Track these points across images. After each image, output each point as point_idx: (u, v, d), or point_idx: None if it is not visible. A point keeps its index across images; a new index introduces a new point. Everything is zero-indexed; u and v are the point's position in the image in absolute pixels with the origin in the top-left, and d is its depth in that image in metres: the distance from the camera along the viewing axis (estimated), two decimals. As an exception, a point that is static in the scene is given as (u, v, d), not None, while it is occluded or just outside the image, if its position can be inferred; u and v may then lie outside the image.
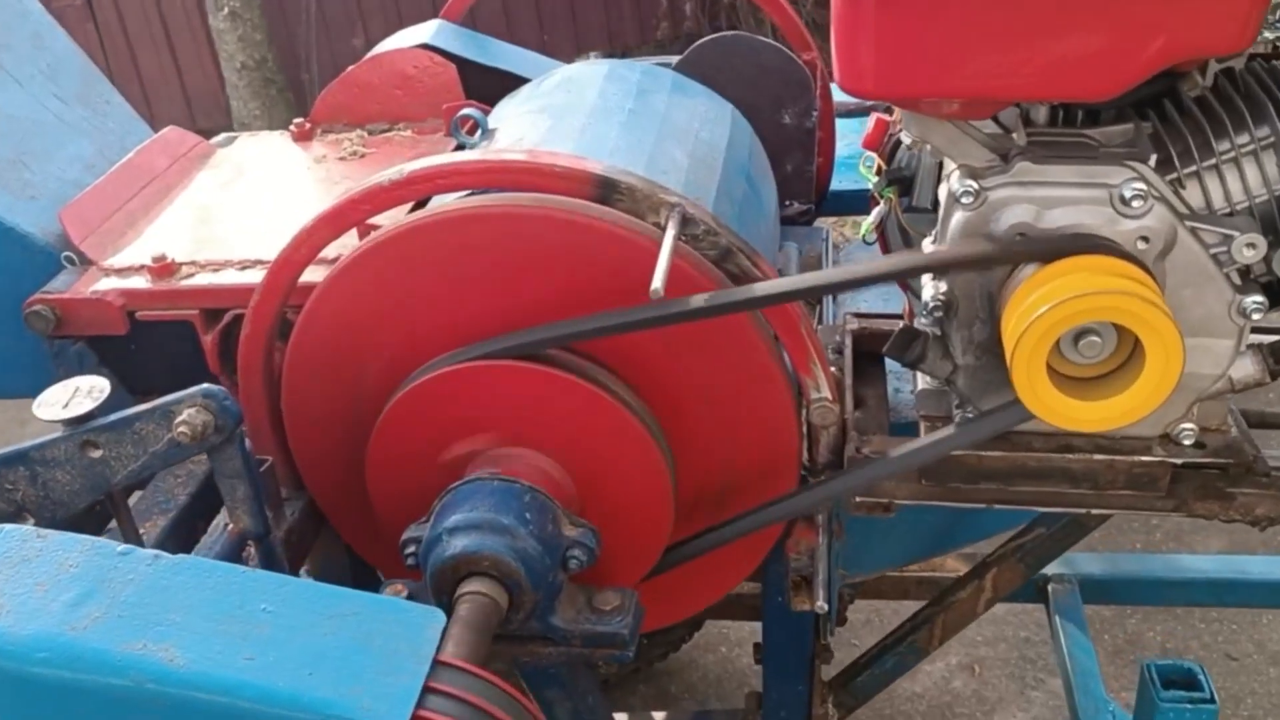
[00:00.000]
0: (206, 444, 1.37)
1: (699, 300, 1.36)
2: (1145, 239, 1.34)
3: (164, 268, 1.73)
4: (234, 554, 1.42)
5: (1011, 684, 3.19)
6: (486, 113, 2.05)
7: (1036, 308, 1.25)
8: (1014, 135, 1.44)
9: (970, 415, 1.47)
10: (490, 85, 2.24)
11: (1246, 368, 1.42)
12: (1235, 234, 1.33)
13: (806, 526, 1.62)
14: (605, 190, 1.41)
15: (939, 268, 1.36)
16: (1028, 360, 1.27)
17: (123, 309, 1.72)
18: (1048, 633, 3.25)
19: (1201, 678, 1.90)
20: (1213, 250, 1.35)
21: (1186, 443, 1.47)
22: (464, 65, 2.24)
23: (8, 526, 1.12)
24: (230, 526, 1.43)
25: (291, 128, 2.23)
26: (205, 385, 1.35)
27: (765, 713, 2.01)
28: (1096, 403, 1.30)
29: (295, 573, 1.68)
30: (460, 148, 1.91)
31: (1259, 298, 1.36)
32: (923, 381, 1.59)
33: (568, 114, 1.84)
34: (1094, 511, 1.49)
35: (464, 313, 1.47)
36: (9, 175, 1.88)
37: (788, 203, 2.43)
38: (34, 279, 1.78)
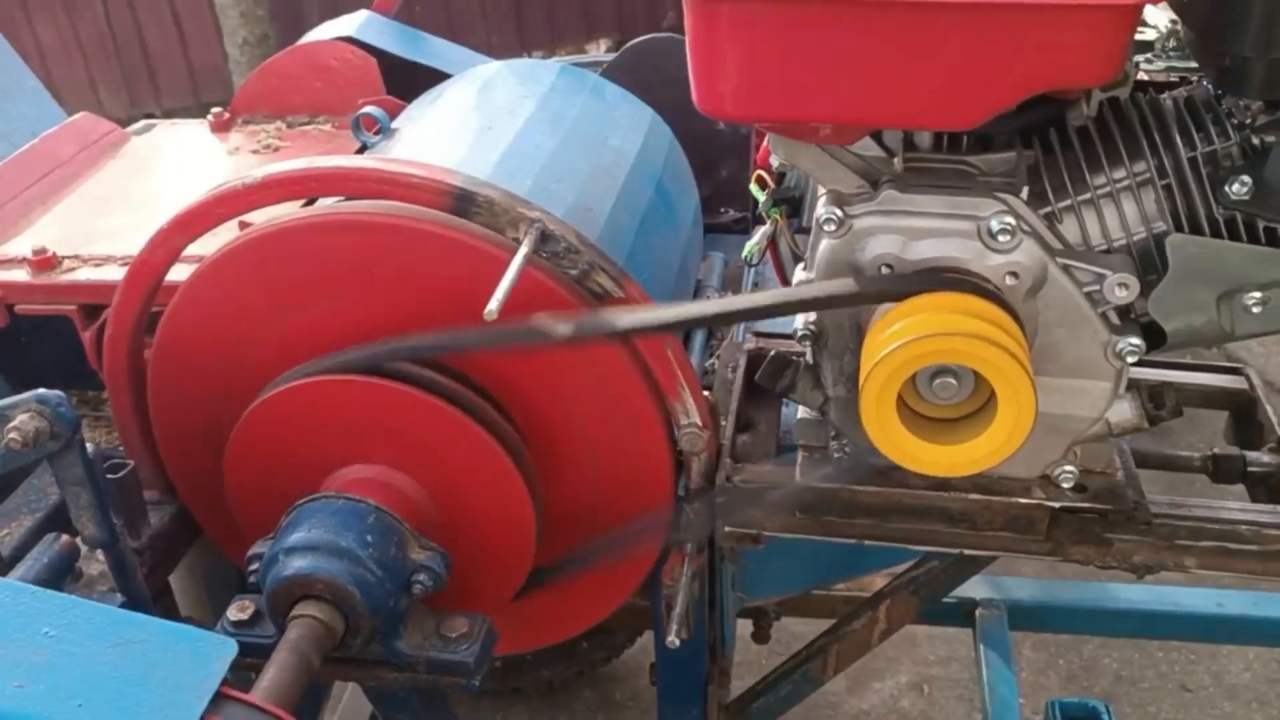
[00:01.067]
0: (43, 450, 1.33)
1: (549, 325, 1.31)
2: (1014, 274, 1.29)
3: (44, 261, 1.70)
4: (64, 564, 1.38)
5: (960, 705, 3.13)
6: (399, 110, 2.02)
7: (882, 348, 1.20)
8: (894, 159, 1.38)
9: (846, 448, 1.43)
10: (416, 80, 2.19)
11: (1124, 412, 1.36)
12: (1108, 273, 1.27)
13: (678, 554, 1.58)
14: (462, 203, 1.36)
15: (793, 309, 1.31)
16: (875, 401, 1.22)
17: (1, 301, 1.69)
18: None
19: (1106, 718, 1.85)
20: (1087, 289, 1.30)
21: (1066, 485, 1.42)
22: (388, 59, 2.19)
23: None
24: (62, 537, 1.39)
25: (210, 117, 2.19)
26: (40, 391, 1.32)
27: (660, 735, 1.97)
28: (949, 447, 1.25)
29: (162, 580, 1.65)
30: (363, 147, 1.87)
31: (1135, 340, 1.30)
32: (803, 409, 1.54)
33: (469, 117, 1.80)
34: (966, 552, 1.44)
35: (320, 323, 1.43)
36: (-96, 161, 1.85)
37: (722, 210, 2.39)
38: (-78, 268, 1.76)
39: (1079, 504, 1.41)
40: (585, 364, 1.43)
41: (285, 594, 1.31)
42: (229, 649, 1.07)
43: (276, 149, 2.10)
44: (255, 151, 2.09)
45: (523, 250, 1.31)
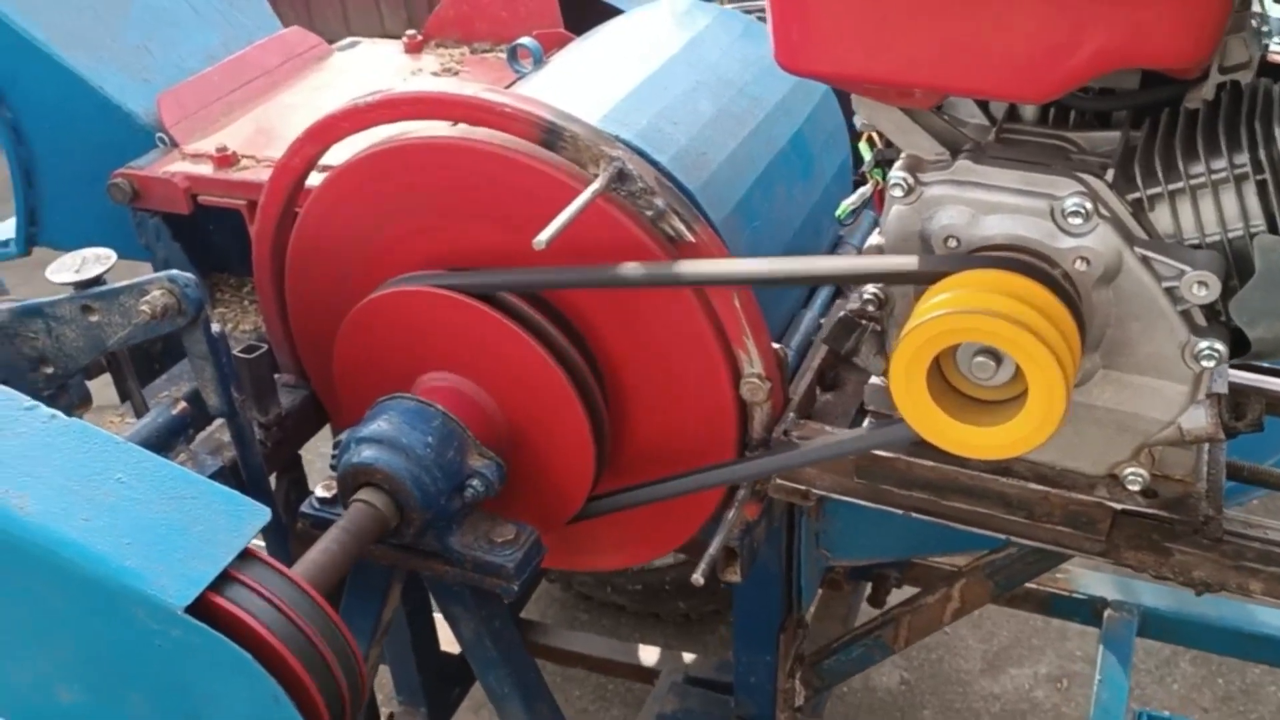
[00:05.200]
0: (173, 324, 1.51)
1: (624, 270, 1.37)
2: (1085, 260, 1.22)
3: (225, 158, 1.90)
4: (177, 426, 1.57)
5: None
6: (566, 43, 2.09)
7: (916, 318, 1.18)
8: (991, 129, 1.33)
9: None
10: (594, 15, 2.25)
11: (1199, 419, 1.27)
12: (1187, 269, 1.19)
13: (751, 501, 1.60)
14: (550, 136, 1.42)
15: (848, 279, 1.30)
16: (905, 373, 1.21)
17: (186, 191, 1.90)
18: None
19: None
20: (1166, 284, 1.22)
21: (1133, 488, 1.35)
22: (571, -8, 2.26)
23: (-52, 367, 1.30)
24: (180, 403, 1.57)
25: (405, 39, 2.34)
26: (173, 271, 1.49)
27: (736, 676, 2.02)
28: (977, 427, 1.21)
29: (287, 455, 1.84)
30: (519, 76, 1.95)
31: (1217, 344, 1.21)
32: (874, 375, 1.52)
33: (612, 55, 1.85)
34: (1015, 540, 1.40)
35: (415, 236, 1.54)
36: (131, 59, 2.09)
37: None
38: (132, 154, 2.00)
39: (1143, 509, 1.34)
40: (655, 307, 1.47)
41: (351, 479, 1.45)
42: (262, 515, 1.20)
43: (455, 72, 2.22)
44: (435, 73, 2.22)
45: (592, 186, 1.36)
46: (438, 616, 2.35)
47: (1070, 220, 1.21)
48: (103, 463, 1.23)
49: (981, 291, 1.17)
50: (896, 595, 2.49)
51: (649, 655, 2.66)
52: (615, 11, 2.27)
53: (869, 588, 2.45)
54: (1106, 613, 2.24)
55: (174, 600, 1.12)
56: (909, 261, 1.25)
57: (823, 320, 1.83)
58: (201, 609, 1.13)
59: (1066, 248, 1.22)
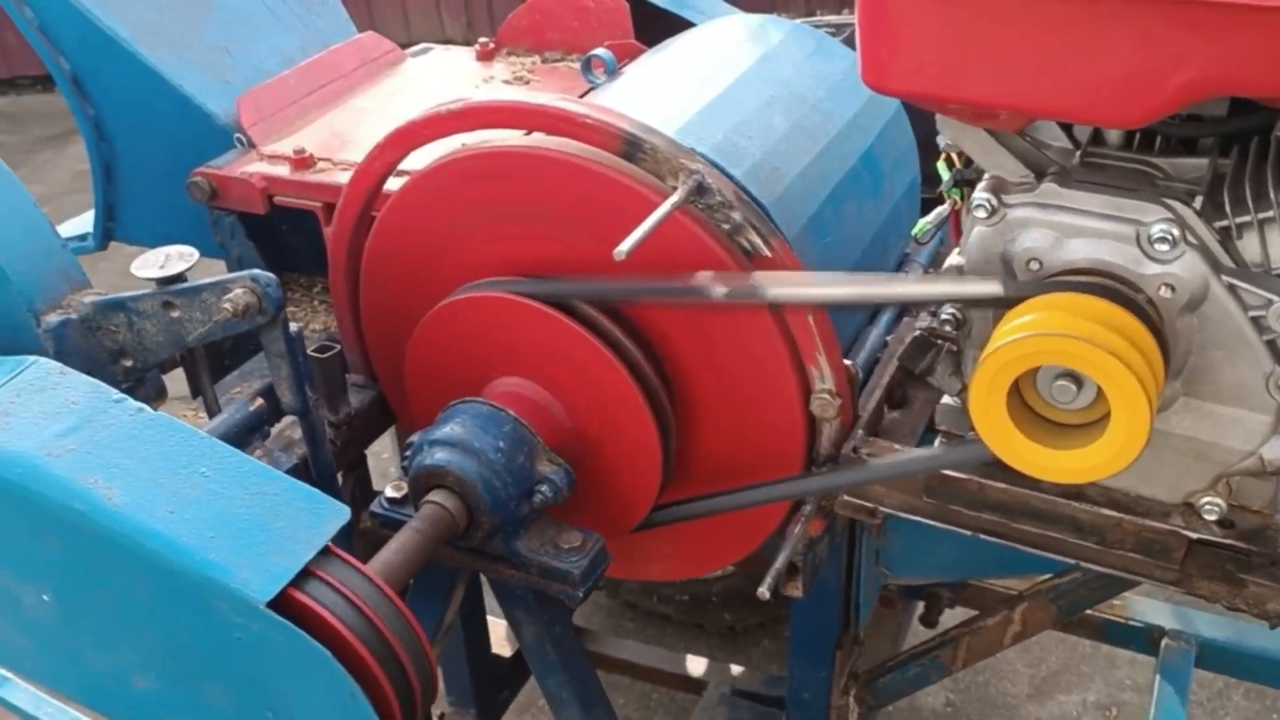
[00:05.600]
0: (252, 322, 1.54)
1: (703, 285, 1.37)
2: (1170, 287, 1.22)
3: (302, 160, 1.93)
4: (254, 422, 1.59)
5: (1141, 739, 2.96)
6: (638, 54, 2.11)
7: (998, 339, 1.18)
8: (1075, 153, 1.33)
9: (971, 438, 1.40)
10: (665, 27, 2.27)
11: (1280, 450, 1.26)
12: (1276, 299, 1.18)
13: (817, 517, 1.61)
14: (630, 147, 1.44)
15: (928, 302, 1.30)
16: (985, 394, 1.20)
17: (263, 192, 1.94)
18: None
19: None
20: (1253, 313, 1.21)
21: (1209, 517, 1.33)
22: (641, 5, 2.28)
23: (43, 360, 1.34)
24: (257, 399, 1.60)
25: (477, 46, 2.36)
26: (255, 270, 1.52)
27: (789, 691, 2.01)
28: (1057, 451, 1.21)
29: (355, 454, 1.86)
30: (592, 87, 1.97)
31: (1303, 375, 1.20)
32: (947, 395, 1.51)
33: (687, 68, 1.86)
34: (1085, 565, 1.39)
35: (492, 243, 1.55)
36: (210, 59, 2.13)
37: (953, 186, 2.32)
38: (210, 154, 2.03)
39: (1219, 539, 1.32)
40: (729, 320, 1.48)
41: (423, 481, 1.47)
42: (342, 514, 1.22)
43: (527, 81, 2.24)
44: (507, 82, 2.24)
45: (672, 199, 1.37)
46: (490, 619, 2.38)
47: (1157, 246, 1.20)
48: (188, 456, 1.25)
49: (1066, 314, 1.16)
50: (949, 616, 2.50)
51: (696, 666, 2.67)
52: (686, 24, 2.29)
53: (920, 607, 2.44)
54: (1164, 642, 2.22)
55: (256, 595, 1.14)
56: (992, 285, 1.25)
57: (889, 338, 1.82)
58: (282, 604, 1.15)
59: (1152, 274, 1.22)
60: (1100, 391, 1.19)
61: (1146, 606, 2.29)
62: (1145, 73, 1.11)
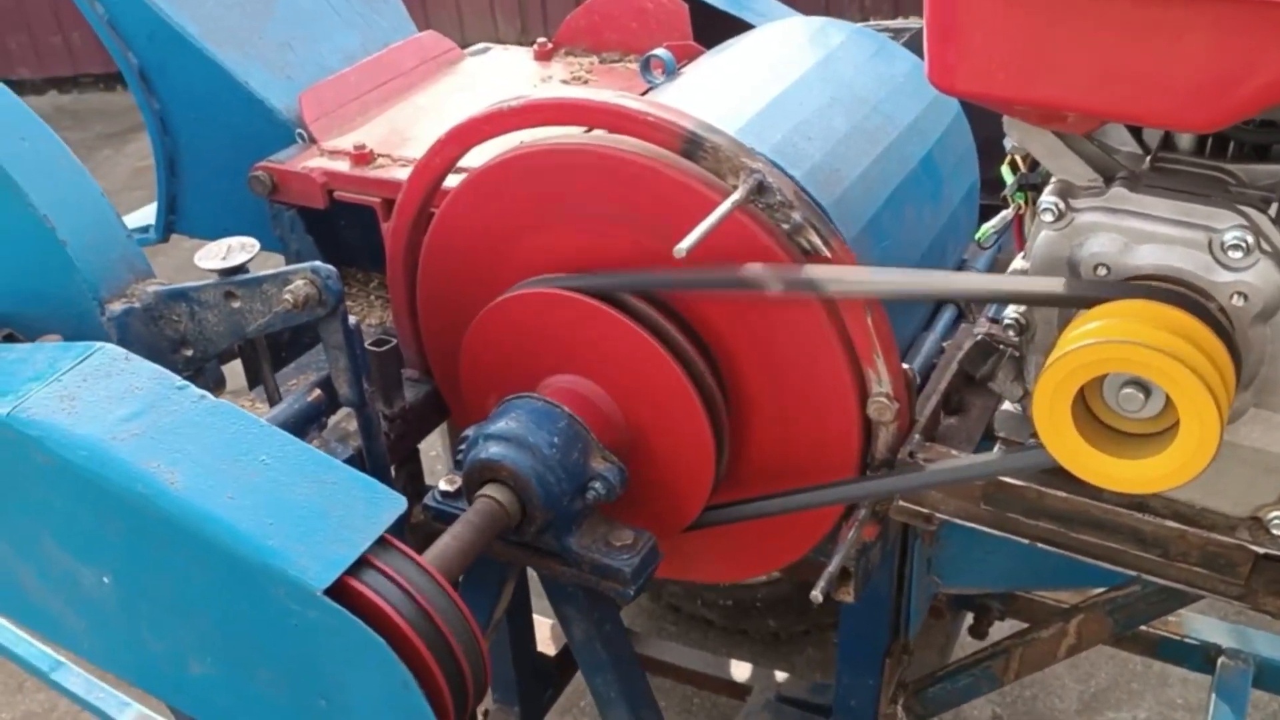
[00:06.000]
0: (312, 314, 1.55)
1: (758, 275, 1.36)
2: (1243, 295, 1.19)
3: (362, 156, 1.94)
4: (312, 413, 1.60)
5: (1191, 761, 2.91)
6: (697, 55, 2.10)
7: (1065, 346, 1.16)
8: (1145, 157, 1.31)
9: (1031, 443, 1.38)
10: (723, 29, 2.26)
11: (1353, 464, 1.23)
12: (1351, 309, 1.15)
13: (871, 522, 1.59)
14: (691, 146, 1.43)
15: (994, 299, 1.28)
16: (1050, 399, 1.18)
17: (323, 187, 1.96)
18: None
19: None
20: (1327, 323, 1.18)
21: (1276, 532, 1.30)
22: (700, 7, 2.28)
23: (108, 346, 1.36)
24: (315, 390, 1.61)
25: (535, 46, 2.37)
26: (316, 263, 1.53)
27: (836, 698, 2.00)
28: (1123, 460, 1.19)
29: (408, 448, 1.87)
30: (651, 87, 1.97)
31: (1377, 389, 1.17)
32: (1008, 401, 1.50)
33: (747, 69, 1.85)
34: (1146, 577, 1.36)
35: (550, 240, 1.56)
36: (274, 55, 2.16)
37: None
38: (272, 149, 2.06)
39: (1288, 554, 1.30)
40: (786, 319, 1.47)
41: (477, 474, 1.47)
42: (399, 504, 1.23)
43: (585, 81, 2.25)
44: (565, 81, 2.24)
45: (732, 197, 1.36)
46: (536, 617, 2.38)
47: (1230, 254, 1.18)
48: (248, 444, 1.27)
49: (1135, 321, 1.14)
50: (998, 628, 2.46)
51: (740, 671, 2.66)
52: (744, 26, 2.28)
53: (968, 618, 2.41)
54: (1220, 660, 2.18)
55: (314, 582, 1.15)
56: (1058, 284, 1.23)
57: (945, 344, 1.81)
58: (338, 592, 1.16)
59: (1224, 281, 1.19)
60: (1169, 400, 1.17)
61: (1202, 624, 2.25)
62: (1221, 76, 1.08)
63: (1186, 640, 2.22)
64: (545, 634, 2.47)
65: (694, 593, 3.10)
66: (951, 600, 2.35)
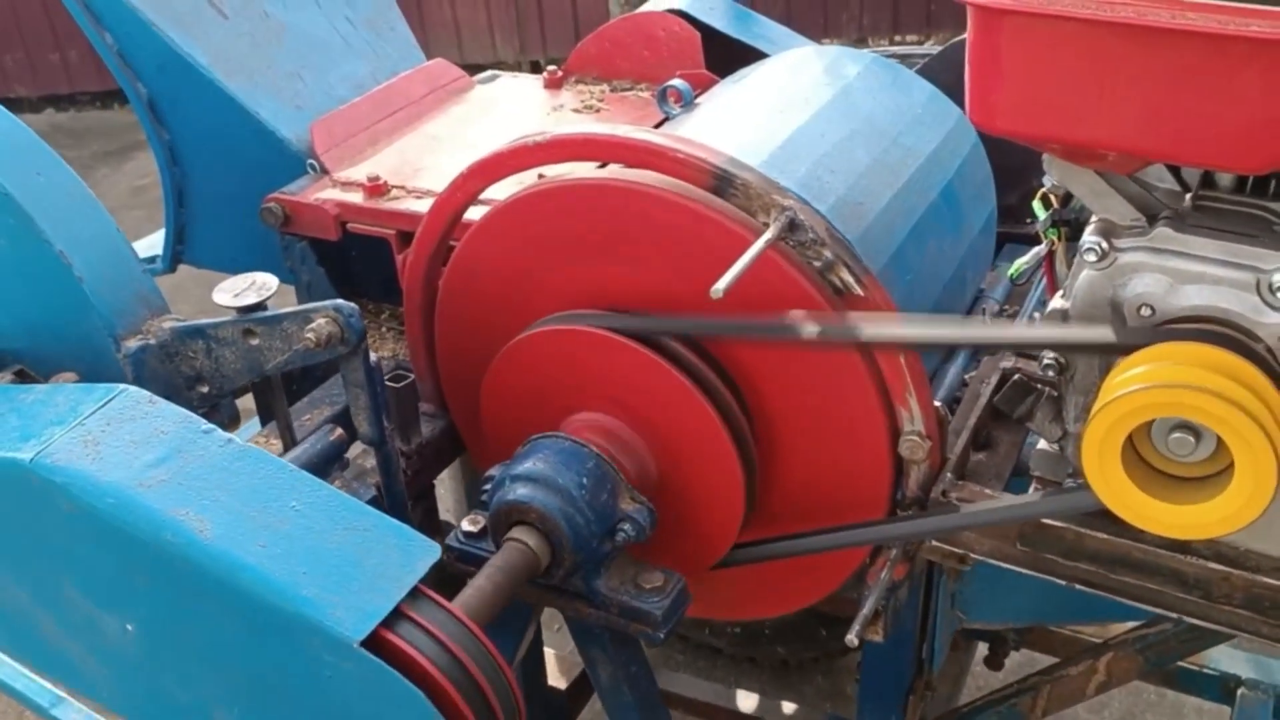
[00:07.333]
0: (334, 352, 1.53)
1: (797, 325, 1.35)
2: (1290, 337, 1.18)
3: (376, 188, 1.92)
4: (334, 453, 1.58)
5: (1212, 796, 2.89)
6: (710, 85, 2.09)
7: (1114, 390, 1.14)
8: (1185, 196, 1.30)
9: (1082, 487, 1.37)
10: (738, 58, 2.25)
11: (1401, 508, 1.22)
12: (1400, 352, 1.14)
13: (902, 561, 1.57)
14: (721, 183, 1.41)
15: (1033, 347, 1.27)
16: (1099, 444, 1.17)
17: (336, 218, 1.93)
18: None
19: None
20: (1376, 365, 1.17)
21: (1321, 574, 1.29)
22: (711, 35, 2.27)
23: (132, 388, 1.33)
24: (336, 430, 1.58)
25: (545, 74, 2.36)
26: (338, 300, 1.51)
27: (858, 734, 1.97)
28: (1175, 506, 1.17)
29: (424, 484, 1.84)
30: (667, 118, 1.96)
31: None
32: (1044, 440, 1.48)
33: (765, 100, 1.84)
34: (1189, 619, 1.34)
35: (577, 275, 1.53)
36: (284, 85, 2.14)
37: (1029, 220, 2.29)
38: (282, 180, 2.03)
39: (1333, 598, 1.28)
40: (819, 360, 1.45)
41: (504, 516, 1.44)
42: (433, 552, 1.20)
43: (597, 110, 2.23)
44: (577, 110, 2.23)
45: (765, 236, 1.35)
46: (546, 650, 2.35)
47: (1278, 295, 1.17)
48: (277, 490, 1.24)
49: (1184, 365, 1.13)
50: (1013, 659, 2.45)
51: (748, 702, 2.63)
52: (756, 54, 2.27)
53: (984, 649, 2.39)
54: (1240, 691, 2.16)
55: (350, 633, 1.12)
56: (1103, 331, 1.22)
57: (968, 376, 1.79)
58: (373, 643, 1.13)
59: (1272, 322, 1.18)
60: (1220, 444, 1.15)
61: (1222, 654, 2.23)
62: (1270, 119, 1.07)
63: (1205, 671, 2.20)
64: (555, 667, 2.44)
65: (702, 621, 3.07)
66: (965, 631, 2.33)
